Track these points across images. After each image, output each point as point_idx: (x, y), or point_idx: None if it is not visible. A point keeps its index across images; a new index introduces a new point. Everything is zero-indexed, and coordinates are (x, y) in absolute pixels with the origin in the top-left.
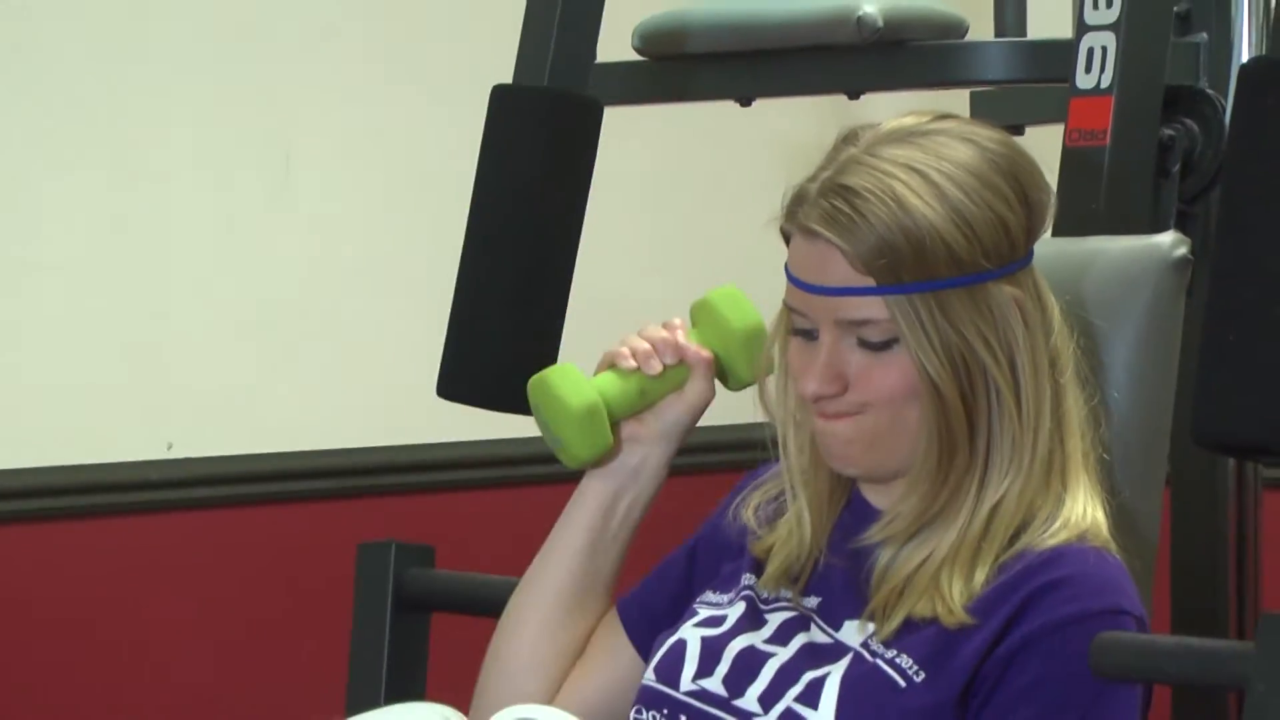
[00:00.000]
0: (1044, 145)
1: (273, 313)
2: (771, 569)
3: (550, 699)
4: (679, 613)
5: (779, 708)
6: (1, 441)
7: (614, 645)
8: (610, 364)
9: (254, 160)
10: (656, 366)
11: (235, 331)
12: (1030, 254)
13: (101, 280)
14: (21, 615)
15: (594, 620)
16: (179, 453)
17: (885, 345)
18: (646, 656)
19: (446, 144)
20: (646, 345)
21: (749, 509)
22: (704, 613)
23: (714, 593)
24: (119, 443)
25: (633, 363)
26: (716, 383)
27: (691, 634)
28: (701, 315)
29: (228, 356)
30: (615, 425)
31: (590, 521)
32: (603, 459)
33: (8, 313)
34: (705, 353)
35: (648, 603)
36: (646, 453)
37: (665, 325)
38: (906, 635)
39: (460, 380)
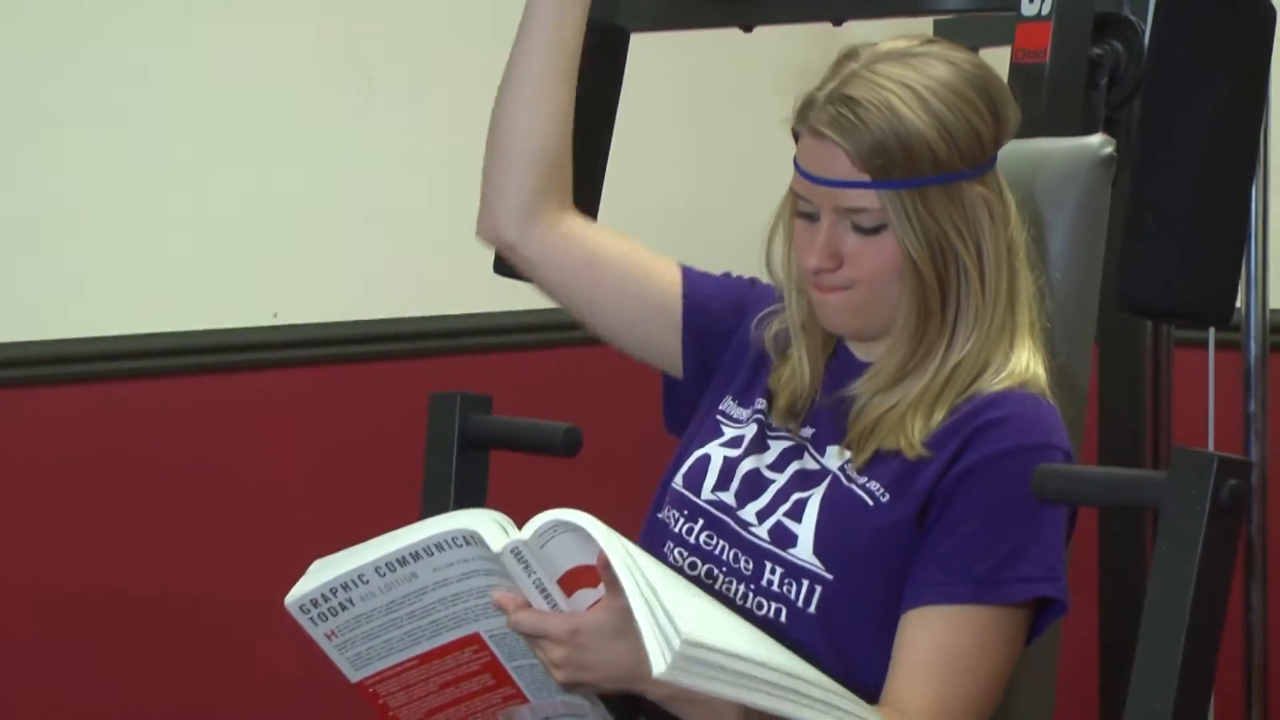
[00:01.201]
0: (994, 63)
1: (359, 203)
2: (779, 405)
3: (552, 189)
4: (719, 321)
5: (770, 521)
6: (133, 309)
7: (655, 265)
8: None
9: (342, 80)
10: None
11: (328, 218)
12: (995, 158)
13: (221, 176)
14: (147, 462)
15: (570, 95)
16: (282, 320)
17: (875, 230)
18: (687, 298)
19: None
20: None
21: (769, 335)
22: (727, 432)
23: (735, 404)
24: (233, 312)
25: None
26: None
27: (716, 452)
28: None
29: (322, 239)
30: None
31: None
32: None
33: (144, 202)
34: None
35: (709, 284)
36: None
37: None
38: (876, 465)
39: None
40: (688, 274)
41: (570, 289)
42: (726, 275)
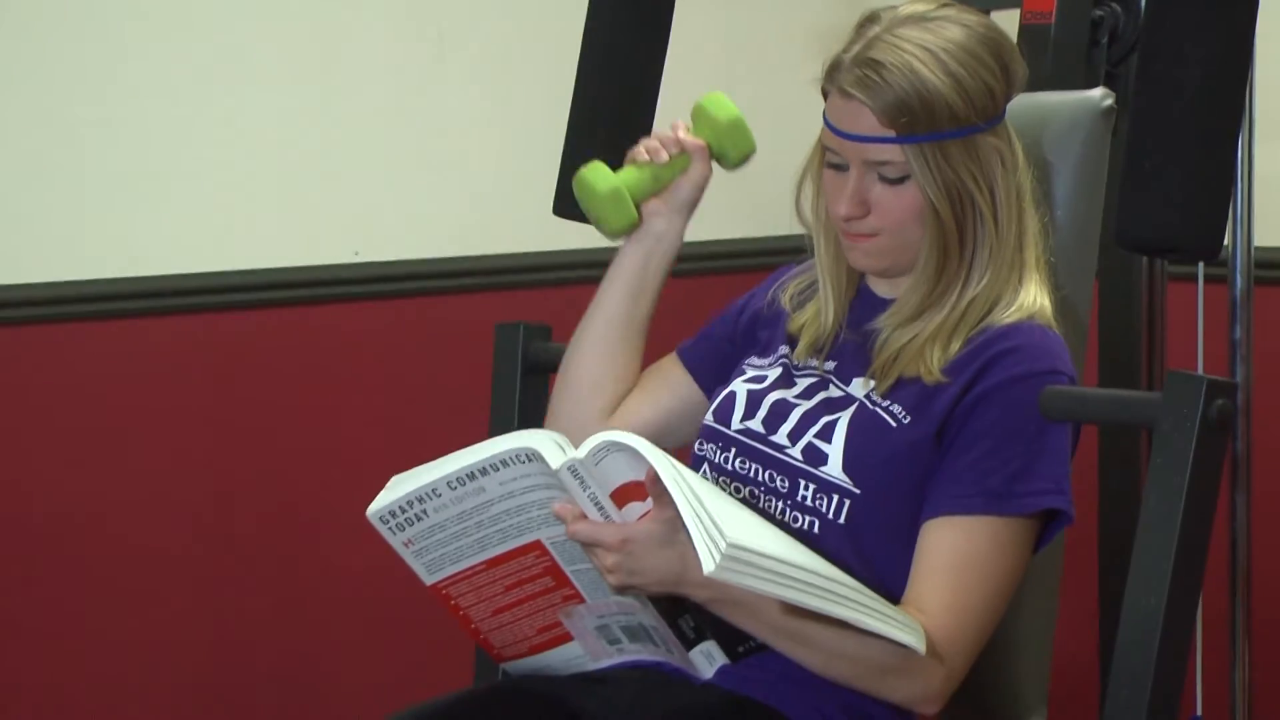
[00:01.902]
0: (1004, 25)
1: (432, 150)
2: (803, 343)
3: (608, 415)
4: (729, 358)
5: (803, 441)
6: (230, 247)
7: (672, 378)
8: (631, 160)
9: (419, 27)
10: (664, 156)
11: (405, 161)
12: (1005, 111)
13: (305, 125)
14: (242, 387)
15: (637, 354)
16: (363, 258)
17: (899, 180)
18: (701, 384)
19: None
20: (656, 142)
21: (786, 295)
22: (750, 372)
23: (757, 358)
24: (317, 249)
25: (645, 156)
26: (715, 165)
27: (740, 387)
28: (696, 116)
29: (399, 181)
30: (639, 205)
31: (629, 275)
32: (632, 230)
33: (237, 149)
34: (700, 141)
35: (702, 346)
36: (666, 223)
37: (671, 126)
38: (898, 391)
39: (568, 201)
40: (689, 364)
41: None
42: (710, 325)
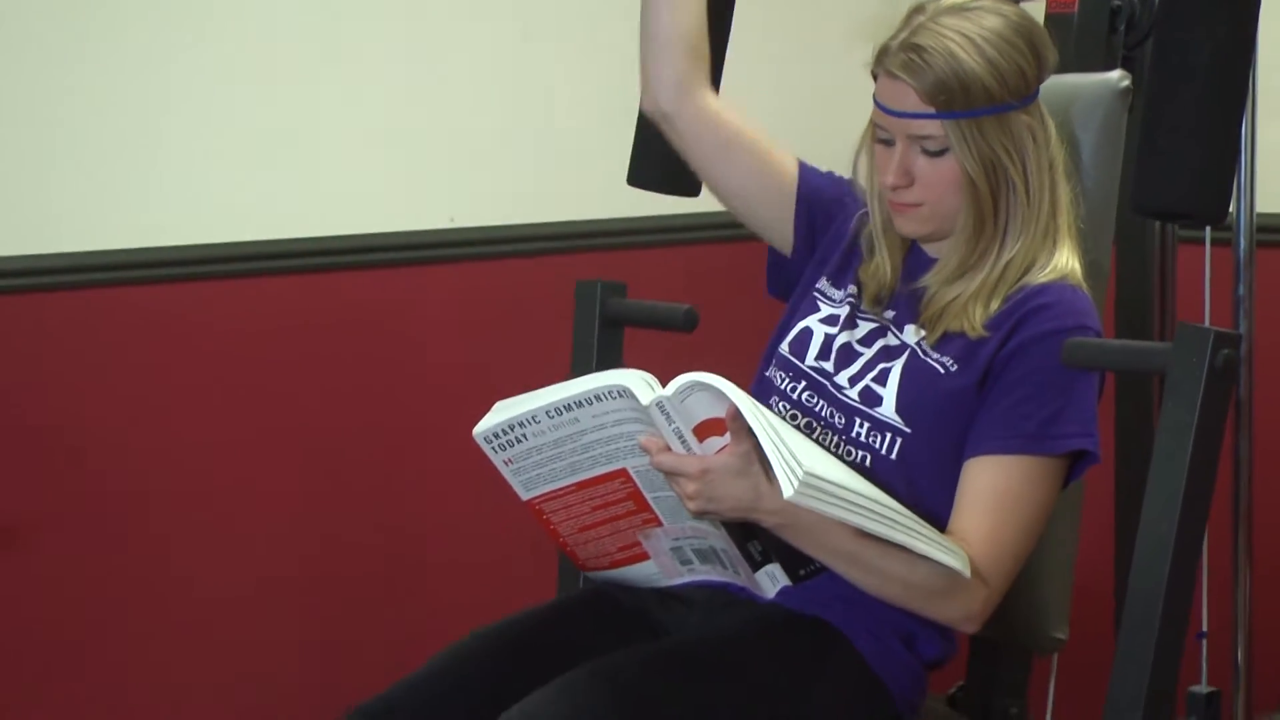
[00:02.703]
0: (1034, 13)
1: (519, 123)
2: (867, 293)
3: (700, 63)
4: (828, 214)
5: (860, 385)
6: (334, 211)
7: (777, 155)
8: None
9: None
10: None
11: (495, 135)
12: (1038, 91)
13: (407, 100)
14: (349, 341)
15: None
16: (458, 224)
17: (940, 153)
18: (799, 192)
19: None
20: None
21: (864, 233)
22: (824, 310)
23: (830, 284)
24: (414, 215)
25: None
26: None
27: (817, 327)
28: None
29: (490, 153)
30: None
31: None
32: None
33: (344, 127)
34: None
35: (816, 181)
36: None
37: None
38: (945, 343)
39: (640, 172)
40: (803, 166)
41: (709, 161)
42: (831, 174)
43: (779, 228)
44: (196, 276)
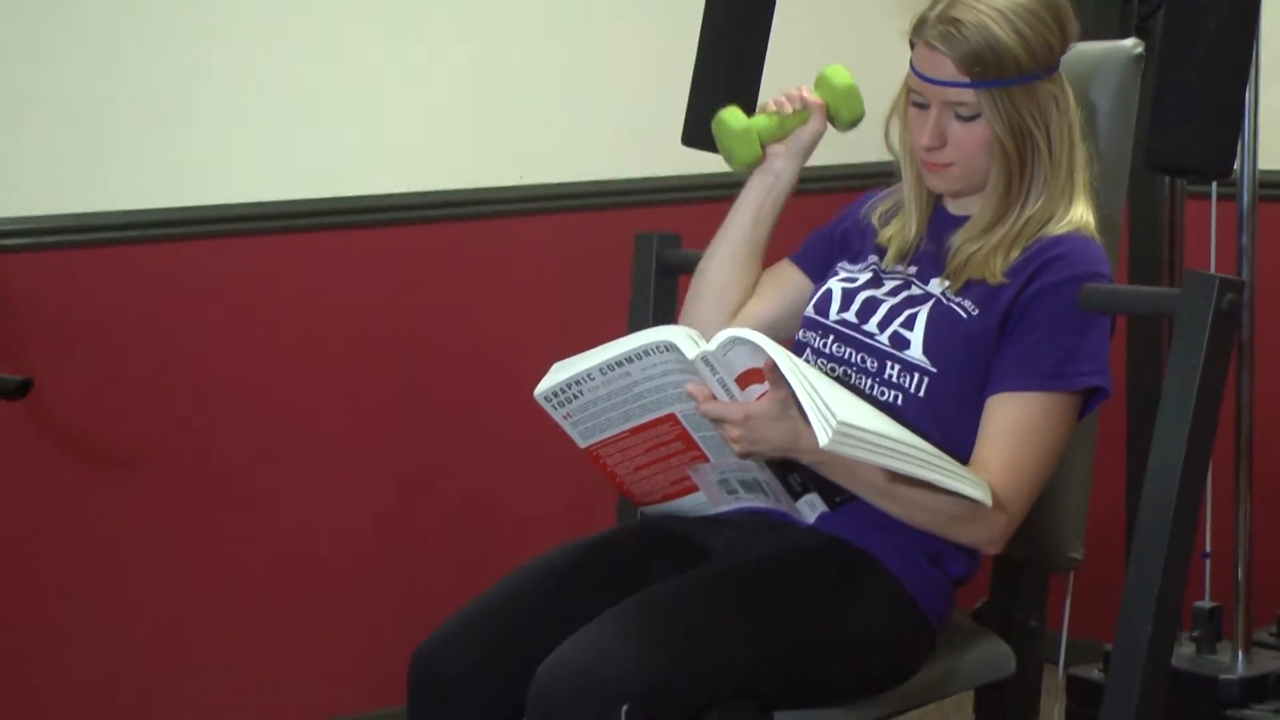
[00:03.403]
0: None
1: (585, 87)
2: (891, 251)
3: (732, 317)
4: (829, 258)
5: (889, 330)
6: (414, 169)
7: (783, 278)
8: (761, 110)
9: None
10: (788, 109)
11: (560, 99)
12: (1060, 62)
13: (480, 66)
14: (424, 291)
15: (757, 269)
16: (526, 181)
17: (972, 118)
18: (810, 275)
19: None
20: (783, 98)
21: (875, 214)
22: (843, 274)
23: (849, 263)
24: (487, 173)
25: (774, 107)
26: (829, 125)
27: (835, 285)
28: (819, 81)
29: (555, 116)
30: (765, 146)
31: (752, 204)
32: (756, 166)
33: (424, 91)
34: (819, 100)
35: (808, 251)
36: (785, 163)
37: (798, 88)
38: (968, 290)
39: (694, 133)
40: (797, 260)
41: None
42: (812, 235)
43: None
44: (290, 230)
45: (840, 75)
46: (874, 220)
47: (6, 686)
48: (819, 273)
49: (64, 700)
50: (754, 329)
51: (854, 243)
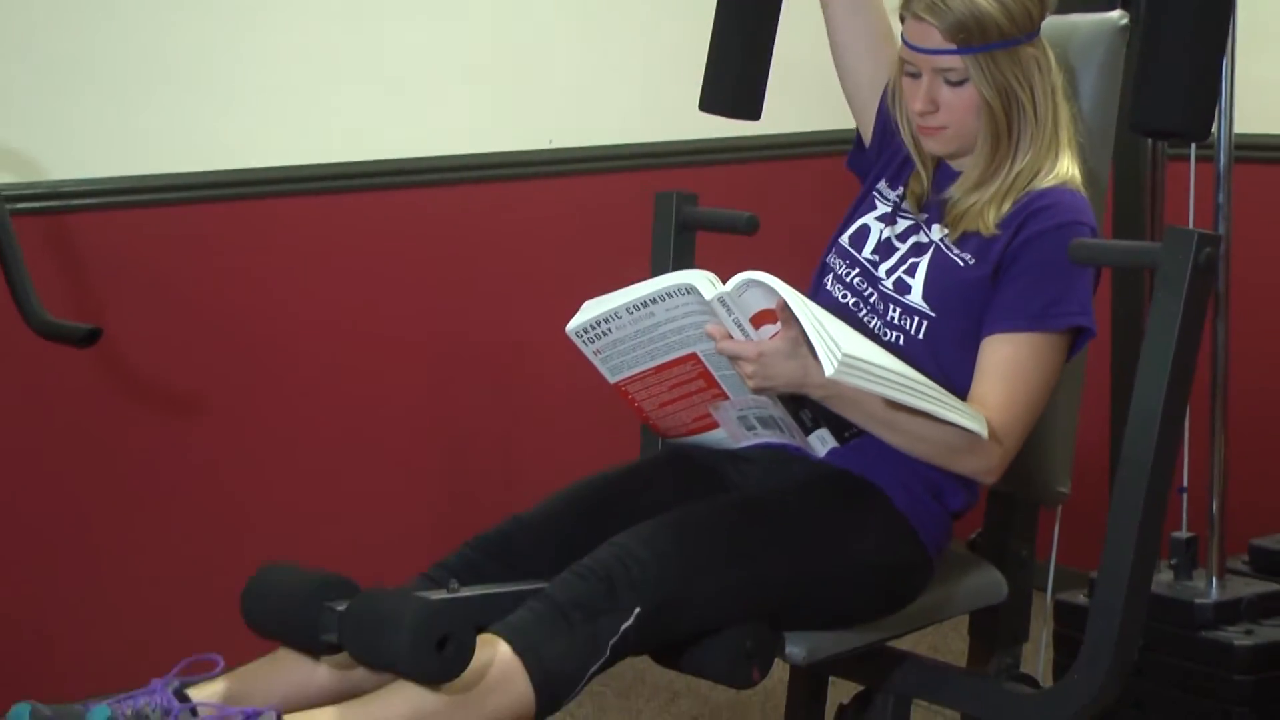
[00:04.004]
0: None
1: (610, 57)
2: (911, 197)
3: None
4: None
5: (894, 276)
6: (452, 133)
7: (891, 52)
8: None
9: None
10: None
11: (586, 69)
12: (1040, 27)
13: (508, 37)
14: (460, 246)
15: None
16: (556, 145)
17: (960, 83)
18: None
19: None
20: None
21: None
22: (880, 208)
23: (886, 185)
24: (520, 138)
25: None
26: None
27: (874, 224)
28: None
29: (581, 85)
30: None
31: None
32: None
33: (455, 60)
34: None
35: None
36: None
37: None
38: (964, 240)
39: (710, 100)
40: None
41: (848, 37)
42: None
43: (865, 108)
44: (337, 190)
45: None
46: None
47: (74, 606)
48: (886, 110)
49: (122, 618)
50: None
51: (895, 163)
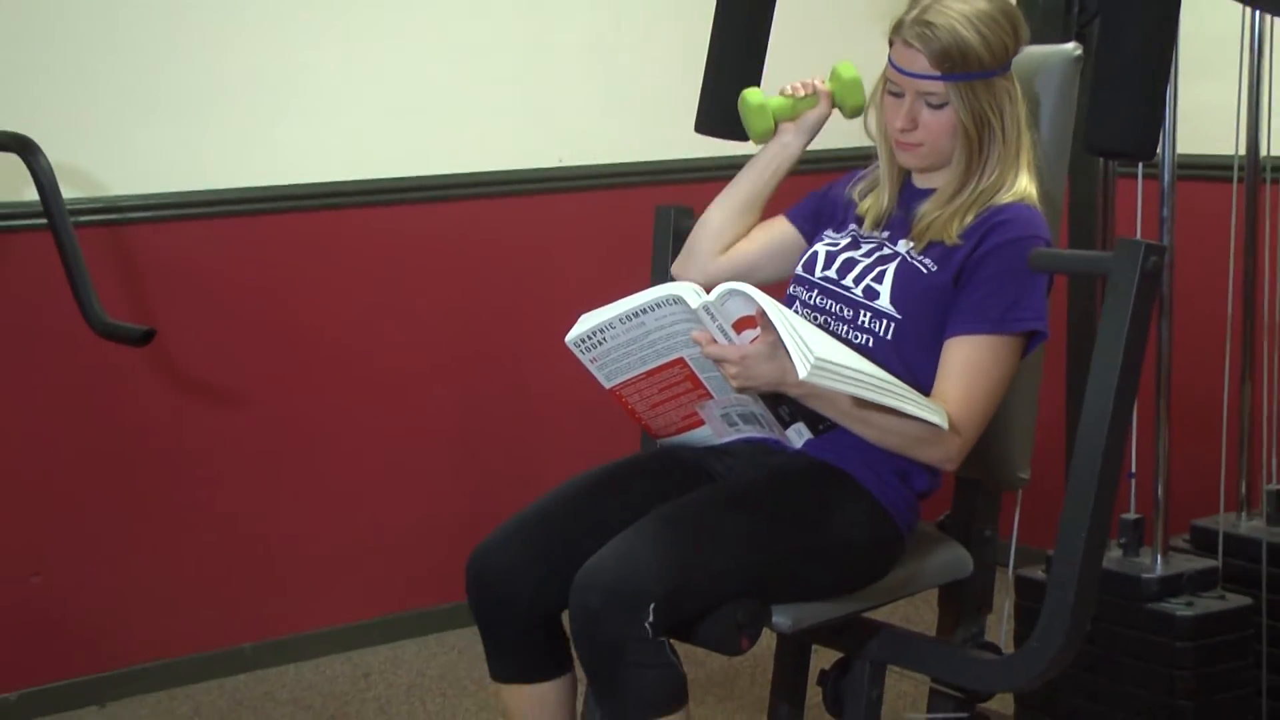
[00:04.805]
0: None
1: (615, 84)
2: (868, 220)
3: (721, 253)
4: (818, 216)
5: (862, 284)
6: (473, 152)
7: (774, 228)
8: (780, 93)
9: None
10: (801, 92)
11: (595, 94)
12: (1012, 61)
13: (521, 63)
14: (478, 256)
15: (752, 222)
16: (565, 163)
17: (940, 106)
18: (800, 229)
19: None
20: (799, 84)
21: (856, 191)
22: (827, 240)
23: (833, 231)
24: (531, 156)
25: (789, 90)
26: (836, 110)
27: (820, 249)
28: (831, 73)
29: (591, 108)
30: (778, 122)
31: (761, 166)
32: (768, 138)
33: (475, 85)
34: (827, 89)
35: (801, 208)
36: (793, 138)
37: (812, 77)
38: (929, 250)
39: (704, 123)
40: (791, 216)
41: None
42: (811, 195)
43: (793, 248)
44: (364, 204)
45: (848, 70)
46: (854, 196)
47: (130, 581)
48: (808, 227)
49: (178, 587)
50: (740, 263)
51: (838, 213)
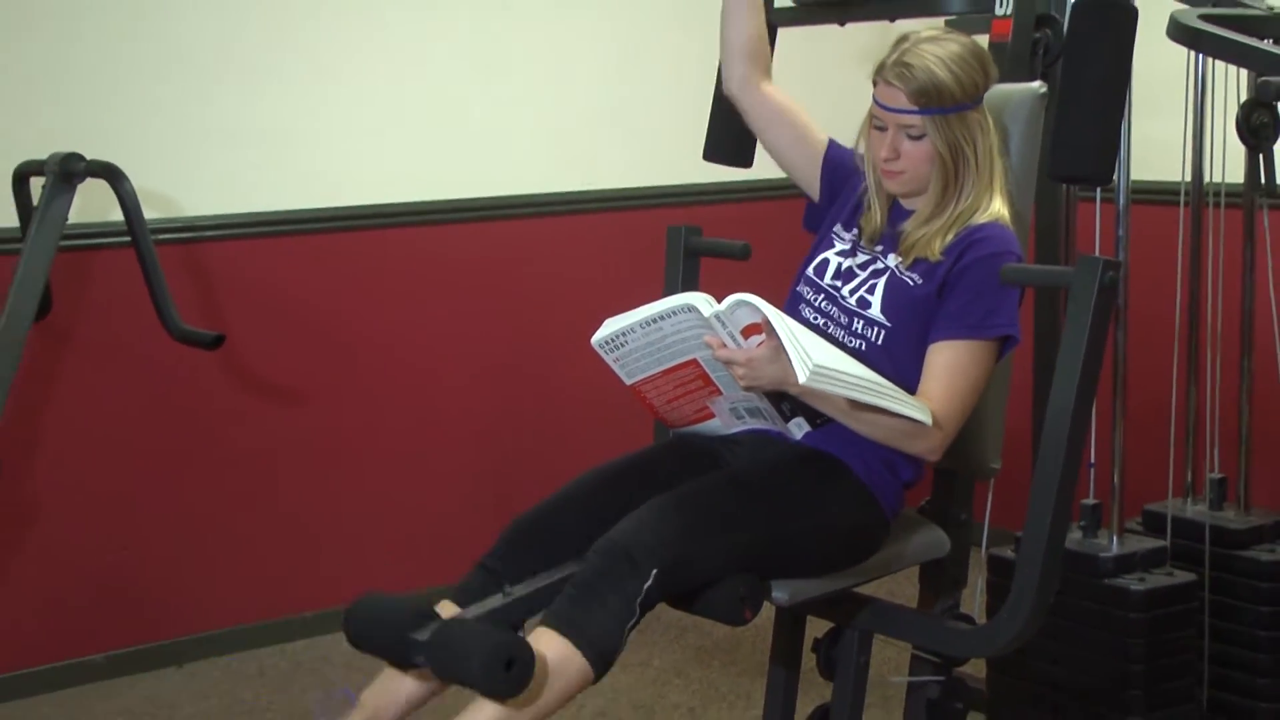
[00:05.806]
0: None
1: (630, 114)
2: (865, 234)
3: (759, 70)
4: (842, 174)
5: (856, 295)
6: (502, 176)
7: (815, 129)
8: None
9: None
10: None
11: (613, 123)
12: (983, 96)
13: (546, 95)
14: (509, 271)
15: (760, 18)
16: (587, 186)
17: (919, 137)
18: (826, 155)
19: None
20: None
21: (860, 197)
22: (837, 245)
23: (841, 228)
24: (559, 180)
25: None
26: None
27: (832, 258)
28: None
29: (609, 136)
30: None
31: None
32: None
33: (505, 115)
34: None
35: (840, 152)
36: None
37: None
38: (915, 265)
39: (711, 151)
40: (832, 142)
41: (763, 128)
42: (854, 150)
43: (809, 180)
44: (410, 224)
45: None
46: (863, 198)
47: (204, 557)
48: (830, 166)
49: (244, 566)
50: (773, 104)
51: (849, 202)
